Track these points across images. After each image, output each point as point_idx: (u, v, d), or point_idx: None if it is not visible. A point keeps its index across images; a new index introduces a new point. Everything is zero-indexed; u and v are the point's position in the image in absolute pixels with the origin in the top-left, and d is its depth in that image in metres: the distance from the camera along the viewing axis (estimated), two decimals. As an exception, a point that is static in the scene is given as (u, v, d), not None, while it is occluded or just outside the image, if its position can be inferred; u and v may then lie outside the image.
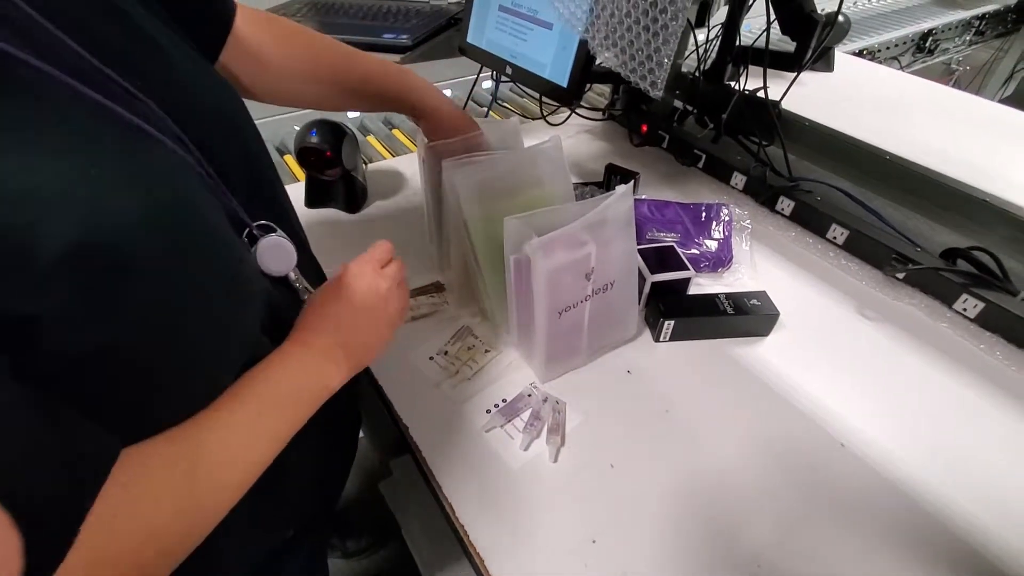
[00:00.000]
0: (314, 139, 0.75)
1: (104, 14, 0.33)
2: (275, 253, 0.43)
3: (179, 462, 0.31)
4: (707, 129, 0.96)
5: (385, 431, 1.19)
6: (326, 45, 0.60)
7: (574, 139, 1.04)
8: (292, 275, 0.45)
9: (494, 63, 0.74)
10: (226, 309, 0.35)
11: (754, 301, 0.66)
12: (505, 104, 1.25)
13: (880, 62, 1.56)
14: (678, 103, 1.00)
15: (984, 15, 1.79)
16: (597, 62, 0.62)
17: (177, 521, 0.30)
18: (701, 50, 0.93)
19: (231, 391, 0.36)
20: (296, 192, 0.86)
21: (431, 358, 0.64)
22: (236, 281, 0.36)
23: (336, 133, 0.76)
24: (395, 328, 0.47)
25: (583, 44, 0.59)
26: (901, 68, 1.65)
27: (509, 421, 0.58)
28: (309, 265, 0.52)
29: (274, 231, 0.43)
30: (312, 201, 0.84)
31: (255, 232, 0.41)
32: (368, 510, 1.25)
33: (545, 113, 1.05)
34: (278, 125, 1.14)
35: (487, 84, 1.29)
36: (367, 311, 0.44)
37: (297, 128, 1.01)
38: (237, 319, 0.37)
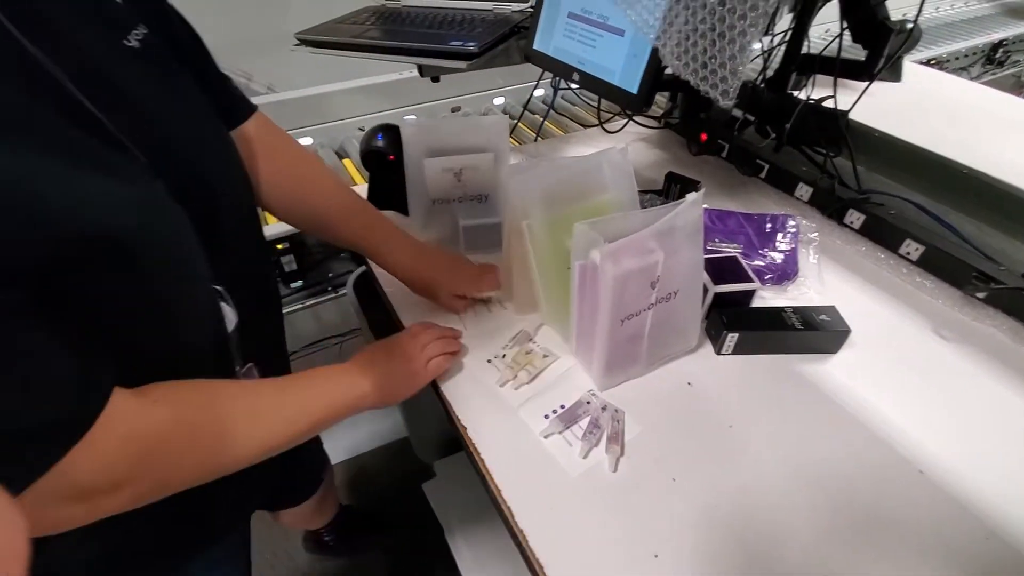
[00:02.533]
0: (379, 143, 0.77)
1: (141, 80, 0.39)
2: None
3: (201, 393, 0.40)
4: (768, 139, 0.94)
5: (430, 432, 1.20)
6: (309, 176, 0.63)
7: (631, 147, 1.02)
8: (231, 339, 0.48)
9: (561, 69, 0.75)
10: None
11: (823, 316, 0.64)
12: (560, 112, 1.26)
13: (948, 72, 1.50)
14: (737, 112, 0.98)
15: (1062, 25, 1.70)
16: (666, 71, 0.61)
17: (187, 433, 0.38)
18: (764, 58, 0.91)
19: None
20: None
21: (489, 361, 0.64)
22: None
23: (400, 139, 0.78)
24: (416, 386, 0.58)
25: (656, 50, 0.58)
26: (970, 79, 1.58)
27: (568, 428, 0.57)
28: (264, 332, 0.57)
29: (223, 298, 0.46)
30: (373, 204, 0.86)
31: (213, 294, 0.45)
32: (401, 509, 1.27)
33: (602, 121, 1.05)
34: (339, 130, 1.17)
35: (538, 92, 1.30)
36: (396, 366, 0.57)
37: (361, 131, 1.04)
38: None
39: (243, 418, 0.42)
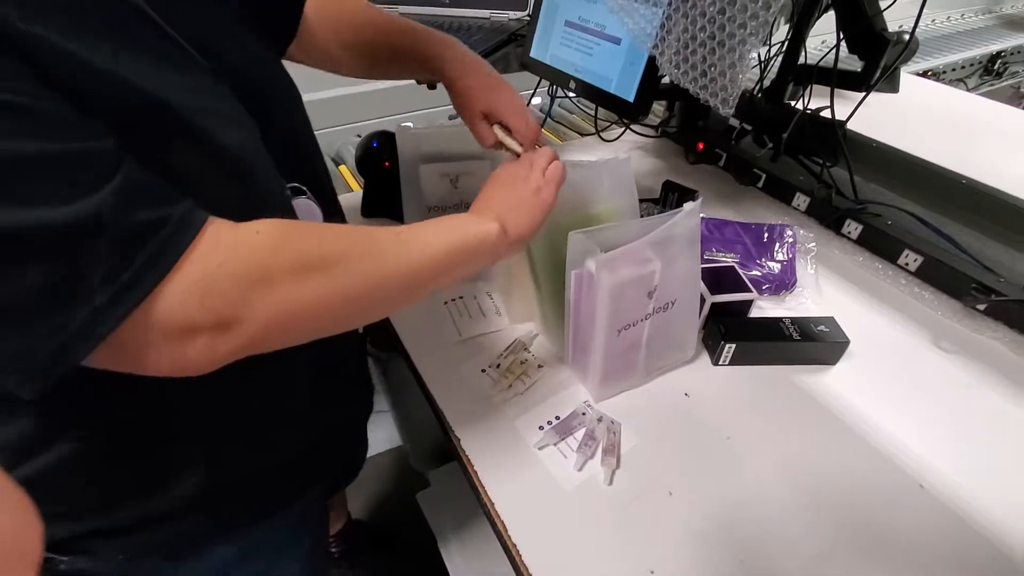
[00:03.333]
0: (375, 149, 0.77)
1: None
2: (304, 215, 0.46)
3: (308, 229, 0.37)
4: (766, 148, 0.94)
5: (425, 441, 1.19)
6: (363, 16, 0.61)
7: (627, 156, 1.03)
8: None
9: (557, 78, 0.75)
10: None
11: (822, 327, 0.63)
12: (558, 121, 1.26)
13: (944, 84, 1.50)
14: (734, 121, 0.98)
15: (1059, 37, 1.71)
16: (664, 79, 0.61)
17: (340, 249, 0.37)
18: (761, 68, 0.91)
19: None
20: (352, 201, 0.88)
21: (483, 371, 0.63)
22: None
23: (396, 145, 0.77)
24: (543, 206, 0.50)
25: (652, 59, 0.58)
26: (967, 90, 1.58)
27: (563, 439, 0.56)
28: None
29: (304, 193, 0.46)
30: (369, 210, 0.85)
31: (287, 192, 0.45)
32: (395, 518, 1.25)
33: (599, 129, 1.05)
34: (335, 136, 1.17)
35: (536, 100, 1.30)
36: (510, 190, 0.50)
37: (357, 137, 1.04)
38: None
39: (355, 254, 0.38)
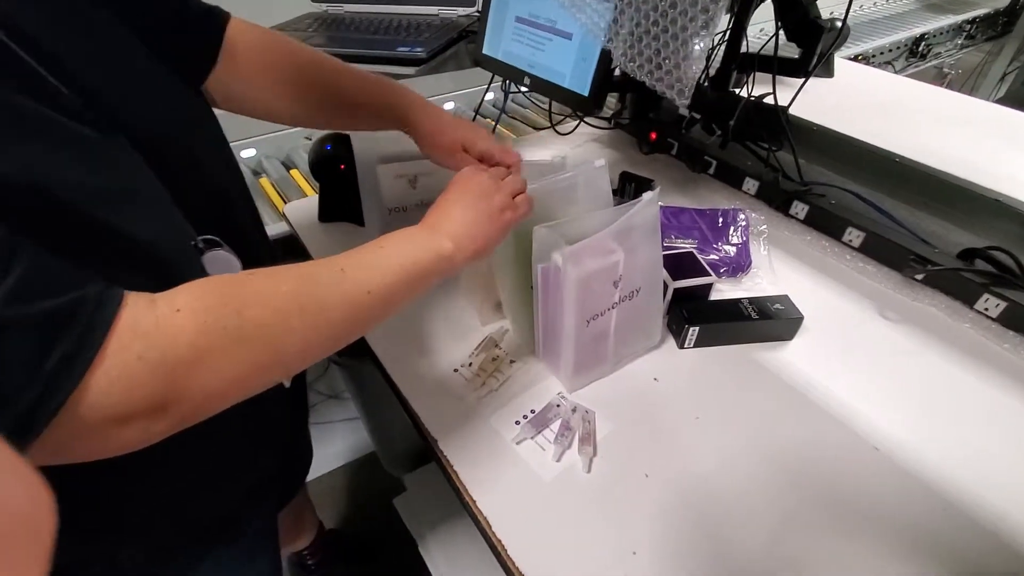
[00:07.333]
0: (329, 152, 0.75)
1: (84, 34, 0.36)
2: (219, 268, 0.43)
3: (237, 288, 0.34)
4: (715, 136, 0.97)
5: (398, 445, 1.18)
6: (306, 55, 0.59)
7: (583, 148, 1.04)
8: None
9: (511, 74, 0.75)
10: None
11: (777, 305, 0.66)
12: (511, 116, 1.26)
13: (875, 67, 1.59)
14: (684, 111, 1.00)
15: (975, 19, 1.83)
16: (616, 72, 0.62)
17: (291, 297, 0.35)
18: (707, 57, 0.94)
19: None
20: (308, 207, 0.86)
21: (456, 370, 0.63)
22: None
23: (350, 148, 0.76)
24: (502, 227, 0.49)
25: (604, 53, 0.59)
26: (895, 72, 1.68)
27: (539, 432, 0.57)
28: None
29: (220, 246, 0.43)
30: (326, 215, 0.83)
31: (200, 245, 0.42)
32: (372, 526, 1.24)
33: (553, 123, 1.06)
34: (284, 140, 1.13)
35: (489, 96, 1.30)
36: (471, 204, 0.48)
37: (308, 140, 1.01)
38: None
39: (293, 310, 0.35)
